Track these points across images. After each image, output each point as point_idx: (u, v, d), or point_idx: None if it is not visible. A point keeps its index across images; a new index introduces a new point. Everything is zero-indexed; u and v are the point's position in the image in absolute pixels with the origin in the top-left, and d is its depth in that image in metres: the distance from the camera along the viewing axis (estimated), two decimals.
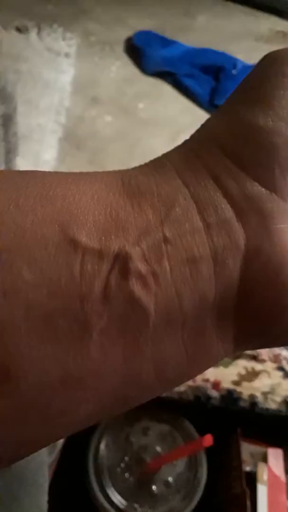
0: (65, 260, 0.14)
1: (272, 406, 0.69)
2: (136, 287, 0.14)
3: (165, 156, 0.17)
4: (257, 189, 0.15)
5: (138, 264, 0.14)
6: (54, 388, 0.14)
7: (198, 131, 0.18)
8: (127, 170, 0.17)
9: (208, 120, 0.18)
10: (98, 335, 0.14)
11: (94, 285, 0.14)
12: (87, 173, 0.16)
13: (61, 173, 0.16)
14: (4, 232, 0.13)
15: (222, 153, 0.16)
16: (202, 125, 0.18)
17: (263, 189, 0.15)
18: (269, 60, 0.17)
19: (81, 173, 0.16)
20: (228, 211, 0.15)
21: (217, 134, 0.17)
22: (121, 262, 0.14)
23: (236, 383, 0.71)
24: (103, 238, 0.14)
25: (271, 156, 0.15)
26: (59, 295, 0.14)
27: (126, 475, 0.68)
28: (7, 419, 0.13)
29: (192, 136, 0.18)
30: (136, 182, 0.16)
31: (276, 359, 0.73)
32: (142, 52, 1.31)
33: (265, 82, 0.17)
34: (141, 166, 0.17)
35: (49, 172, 0.16)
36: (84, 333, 0.14)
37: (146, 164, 0.17)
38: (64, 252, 0.14)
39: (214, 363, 0.17)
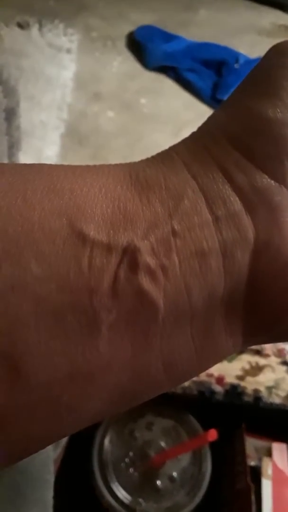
0: (74, 254, 0.14)
1: (277, 400, 0.69)
2: (145, 281, 0.14)
3: (173, 148, 0.17)
4: (266, 181, 0.15)
5: (147, 258, 0.14)
6: (63, 384, 0.14)
7: (205, 123, 0.18)
8: (135, 163, 0.17)
9: (215, 112, 0.18)
10: (107, 330, 0.14)
11: (103, 279, 0.14)
12: (94, 166, 0.16)
13: (68, 166, 0.16)
14: (11, 226, 0.13)
15: (231, 145, 0.16)
16: (210, 117, 0.18)
17: (272, 182, 0.15)
18: (276, 51, 0.17)
19: (88, 166, 0.16)
20: (237, 204, 0.15)
21: (225, 126, 0.16)
22: (130, 255, 0.14)
23: (240, 377, 0.71)
24: (112, 231, 0.14)
25: (280, 148, 0.15)
26: (67, 289, 0.13)
27: (131, 470, 0.68)
28: (16, 415, 0.13)
29: (200, 128, 0.18)
30: (144, 175, 0.16)
31: (280, 353, 0.73)
32: (144, 47, 1.30)
33: (273, 73, 0.16)
34: (148, 159, 0.17)
35: (56, 165, 0.16)
36: (93, 328, 0.14)
37: (153, 157, 0.17)
38: (72, 246, 0.14)
39: (223, 358, 0.16)
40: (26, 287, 0.13)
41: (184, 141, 0.17)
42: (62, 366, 0.14)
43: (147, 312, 0.14)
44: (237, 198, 0.15)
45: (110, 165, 0.16)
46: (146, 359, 0.15)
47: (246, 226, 0.15)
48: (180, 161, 0.16)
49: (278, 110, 0.16)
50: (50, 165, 0.16)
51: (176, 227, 0.15)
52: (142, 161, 0.17)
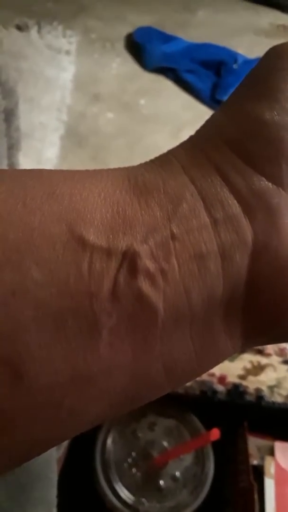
0: (74, 259, 0.14)
1: (279, 399, 0.69)
2: (144, 285, 0.14)
3: (171, 152, 0.17)
4: (264, 184, 0.15)
5: (146, 262, 0.14)
6: (64, 387, 0.14)
7: (203, 126, 0.18)
8: (133, 167, 0.17)
9: (213, 115, 0.18)
10: (107, 334, 0.14)
11: (102, 283, 0.14)
12: (93, 171, 0.16)
13: (67, 171, 0.16)
14: (12, 232, 0.13)
15: (228, 148, 0.16)
16: (208, 120, 0.18)
17: (270, 184, 0.15)
18: (274, 53, 0.17)
19: (87, 171, 0.16)
20: (235, 207, 0.15)
21: (223, 129, 0.17)
22: (129, 260, 0.14)
23: (242, 377, 0.71)
24: (111, 236, 0.14)
25: (277, 151, 0.15)
26: (68, 294, 0.14)
27: (134, 470, 0.68)
28: (19, 419, 0.14)
29: (198, 132, 0.18)
30: (142, 179, 0.16)
31: (281, 352, 0.73)
32: (143, 48, 1.30)
33: (270, 76, 0.17)
34: (146, 163, 0.17)
35: (55, 171, 0.16)
36: (94, 332, 0.14)
37: (151, 161, 0.17)
38: (72, 251, 0.14)
39: (223, 359, 0.17)
40: (27, 292, 0.13)
41: (183, 144, 0.17)
42: (63, 370, 0.14)
43: (147, 315, 0.14)
44: (235, 201, 0.15)
45: (108, 169, 0.17)
46: (147, 362, 0.15)
47: (244, 228, 0.15)
48: (179, 165, 0.16)
49: (275, 113, 0.16)
50: (50, 170, 0.16)
51: (175, 231, 0.15)
52: (140, 165, 0.17)
